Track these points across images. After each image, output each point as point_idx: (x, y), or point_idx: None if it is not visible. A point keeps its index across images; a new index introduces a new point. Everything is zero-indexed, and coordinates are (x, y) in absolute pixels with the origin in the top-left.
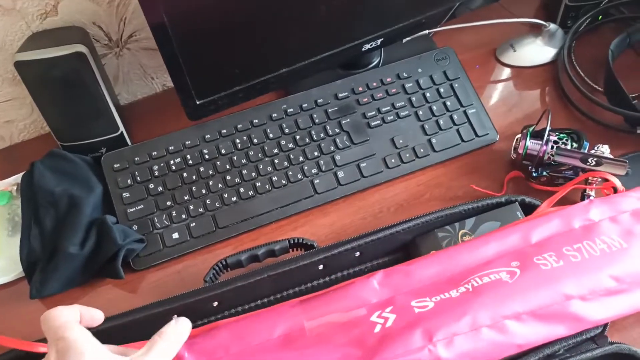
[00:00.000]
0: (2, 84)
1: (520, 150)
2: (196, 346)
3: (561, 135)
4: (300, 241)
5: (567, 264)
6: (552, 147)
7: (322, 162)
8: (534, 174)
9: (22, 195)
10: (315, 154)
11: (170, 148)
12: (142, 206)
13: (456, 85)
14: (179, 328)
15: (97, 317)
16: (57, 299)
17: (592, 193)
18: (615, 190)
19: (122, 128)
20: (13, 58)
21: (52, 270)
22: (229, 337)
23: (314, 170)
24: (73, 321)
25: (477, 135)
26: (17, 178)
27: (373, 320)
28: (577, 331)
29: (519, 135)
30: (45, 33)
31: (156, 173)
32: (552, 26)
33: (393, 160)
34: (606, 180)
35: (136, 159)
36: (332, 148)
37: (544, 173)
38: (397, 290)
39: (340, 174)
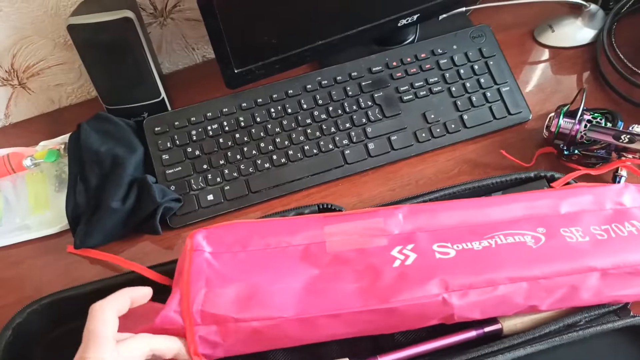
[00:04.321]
0: (55, 48)
1: (552, 129)
2: (214, 236)
3: (595, 114)
4: (329, 207)
5: (593, 240)
6: (586, 126)
7: (353, 133)
8: (566, 152)
9: (69, 153)
10: (347, 125)
11: (208, 114)
12: (180, 168)
13: (491, 62)
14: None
15: (147, 294)
16: (99, 250)
17: (624, 173)
18: None
19: (163, 94)
20: (66, 22)
21: (95, 223)
22: (248, 233)
23: (345, 141)
24: (108, 337)
25: (509, 113)
26: (65, 138)
27: (393, 255)
28: (595, 304)
29: (552, 114)
30: (96, 0)
31: (194, 137)
32: (593, 7)
33: (424, 135)
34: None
35: (176, 123)
36: (364, 120)
37: (576, 152)
38: (420, 227)
39: (371, 145)
